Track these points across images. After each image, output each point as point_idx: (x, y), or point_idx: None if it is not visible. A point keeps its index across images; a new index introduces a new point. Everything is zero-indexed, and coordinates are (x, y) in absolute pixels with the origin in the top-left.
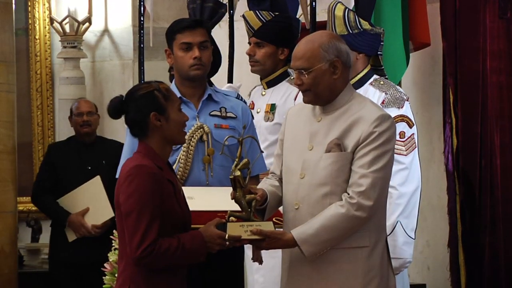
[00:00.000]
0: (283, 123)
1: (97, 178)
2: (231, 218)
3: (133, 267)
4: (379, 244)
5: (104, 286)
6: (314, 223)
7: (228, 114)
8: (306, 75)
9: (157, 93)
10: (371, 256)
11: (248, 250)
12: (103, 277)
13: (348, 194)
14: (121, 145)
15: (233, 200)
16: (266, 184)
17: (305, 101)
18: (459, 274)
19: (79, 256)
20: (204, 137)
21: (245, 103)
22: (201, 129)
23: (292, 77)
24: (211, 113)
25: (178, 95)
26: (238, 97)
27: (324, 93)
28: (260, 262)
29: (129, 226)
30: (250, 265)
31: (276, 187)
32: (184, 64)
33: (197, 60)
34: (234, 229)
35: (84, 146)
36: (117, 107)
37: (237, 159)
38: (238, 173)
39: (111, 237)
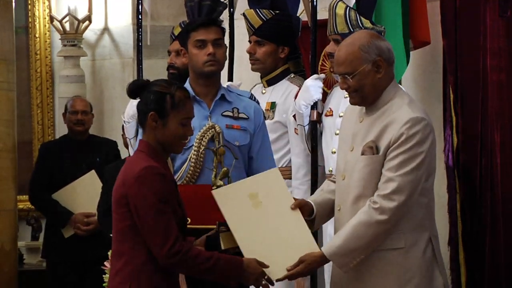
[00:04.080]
0: (341, 122)
1: (92, 172)
2: (221, 227)
3: (135, 266)
4: (418, 244)
5: (104, 284)
6: (341, 234)
7: (240, 115)
8: (351, 79)
9: (168, 98)
10: (407, 257)
11: None
12: (103, 275)
13: (373, 198)
14: (113, 143)
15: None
16: (321, 191)
17: (351, 103)
18: (459, 273)
19: (75, 254)
20: (215, 137)
21: (258, 103)
22: (213, 129)
23: (292, 76)
24: (223, 113)
25: (192, 94)
26: (252, 97)
27: (370, 93)
28: None
29: (149, 228)
30: None
31: (331, 192)
32: (198, 61)
33: (211, 56)
34: (228, 239)
35: (76, 145)
36: (134, 90)
37: (215, 170)
38: (220, 183)
39: (112, 235)
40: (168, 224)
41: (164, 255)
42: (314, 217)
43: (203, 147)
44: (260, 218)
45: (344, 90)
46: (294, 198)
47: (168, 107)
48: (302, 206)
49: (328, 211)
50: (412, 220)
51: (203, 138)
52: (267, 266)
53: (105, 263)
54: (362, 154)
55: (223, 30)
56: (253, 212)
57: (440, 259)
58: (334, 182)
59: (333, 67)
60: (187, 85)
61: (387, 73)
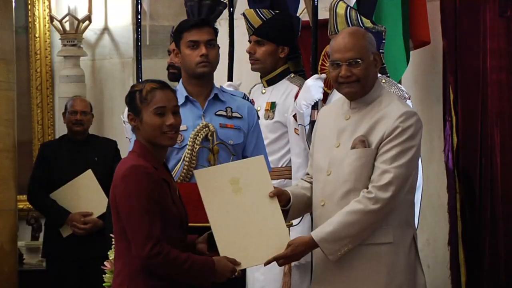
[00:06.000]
0: (316, 123)
1: (89, 171)
2: None
3: (132, 267)
4: (405, 240)
5: (104, 284)
6: (332, 221)
7: (234, 114)
8: (359, 66)
9: (137, 94)
10: (395, 252)
11: None
12: (103, 275)
13: (367, 189)
14: (113, 143)
15: None
16: (296, 186)
17: (348, 92)
18: (459, 273)
19: (74, 253)
20: (209, 136)
21: (252, 103)
22: (206, 128)
23: (292, 75)
24: (217, 113)
25: (185, 94)
26: (245, 97)
27: (368, 86)
28: None
29: (132, 227)
30: None
31: (306, 189)
32: (191, 61)
33: (204, 57)
34: None
35: (76, 144)
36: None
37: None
38: None
39: (111, 235)
40: (151, 224)
41: (145, 256)
42: (290, 207)
43: (197, 146)
44: (238, 204)
45: (342, 80)
46: (274, 187)
47: (138, 103)
48: (280, 195)
49: (303, 205)
50: (400, 216)
51: (197, 137)
52: (238, 263)
53: (105, 263)
54: (353, 148)
55: (216, 30)
56: (232, 197)
57: (420, 259)
58: (309, 181)
59: (333, 55)
60: (180, 85)
61: (378, 69)
